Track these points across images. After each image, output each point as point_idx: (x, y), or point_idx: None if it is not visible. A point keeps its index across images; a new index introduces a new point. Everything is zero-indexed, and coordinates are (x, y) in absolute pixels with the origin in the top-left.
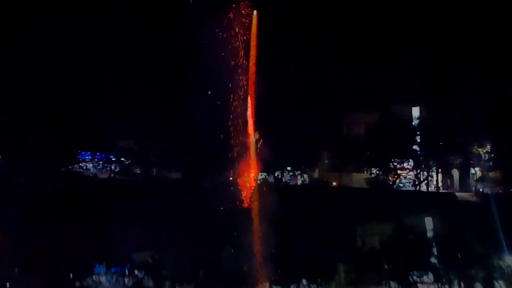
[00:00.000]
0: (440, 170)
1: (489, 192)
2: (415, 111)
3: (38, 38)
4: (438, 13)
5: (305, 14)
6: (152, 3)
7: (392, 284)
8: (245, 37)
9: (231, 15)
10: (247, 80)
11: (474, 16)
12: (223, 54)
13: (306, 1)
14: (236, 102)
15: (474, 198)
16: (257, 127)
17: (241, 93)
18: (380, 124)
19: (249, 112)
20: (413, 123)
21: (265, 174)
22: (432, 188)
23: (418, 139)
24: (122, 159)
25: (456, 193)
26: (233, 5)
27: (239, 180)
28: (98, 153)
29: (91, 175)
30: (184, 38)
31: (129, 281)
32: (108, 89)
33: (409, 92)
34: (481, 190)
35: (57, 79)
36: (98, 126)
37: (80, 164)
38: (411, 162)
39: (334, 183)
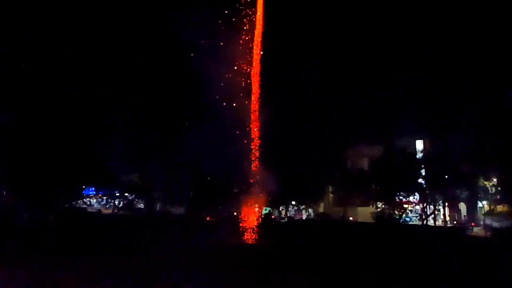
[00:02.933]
0: (447, 204)
1: (498, 226)
2: (419, 144)
3: (42, 73)
4: (441, 45)
5: (308, 47)
6: (155, 41)
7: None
8: (248, 69)
9: (233, 49)
10: (250, 114)
11: (478, 48)
12: (226, 88)
13: (309, 33)
14: (239, 137)
15: (483, 233)
16: (261, 162)
17: (245, 127)
18: (384, 157)
19: (253, 146)
20: (418, 156)
21: (269, 208)
22: (439, 223)
23: (423, 172)
24: (126, 194)
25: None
26: (237, 38)
27: (243, 215)
28: (102, 189)
29: (95, 210)
30: (186, 72)
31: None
32: (112, 124)
33: (412, 125)
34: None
35: (60, 114)
36: (103, 161)
37: (84, 199)
38: (417, 196)
39: (351, 218)
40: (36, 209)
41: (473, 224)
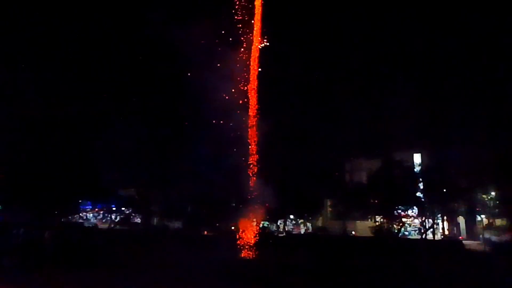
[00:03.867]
0: (445, 218)
1: (497, 241)
2: (417, 158)
3: (38, 89)
4: (439, 58)
5: (305, 61)
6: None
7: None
8: (245, 87)
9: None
10: (248, 129)
11: (476, 61)
12: (224, 100)
13: (306, 49)
14: (238, 151)
15: (482, 247)
16: (259, 176)
17: (243, 142)
18: (382, 170)
19: (251, 161)
20: (416, 170)
21: (267, 222)
22: (438, 236)
23: (421, 186)
24: (123, 208)
25: (464, 241)
26: (235, 55)
27: (241, 229)
28: (99, 203)
29: (91, 225)
30: (184, 88)
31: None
32: (109, 137)
33: (410, 138)
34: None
35: (57, 128)
36: (100, 175)
37: (81, 214)
38: (416, 210)
39: (354, 232)
40: (32, 224)
41: (461, 237)
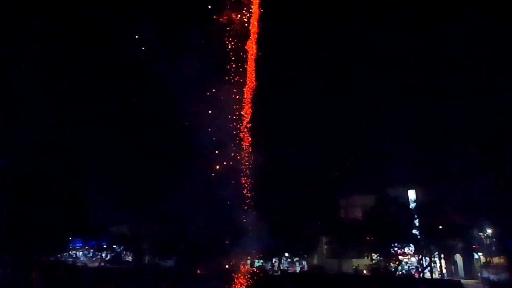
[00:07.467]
0: (442, 256)
1: (495, 280)
2: (411, 194)
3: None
4: (435, 91)
5: (298, 97)
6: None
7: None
8: (238, 117)
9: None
10: (241, 167)
11: (473, 94)
12: (217, 136)
13: (298, 87)
14: (231, 190)
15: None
16: (253, 213)
17: (237, 182)
18: (377, 207)
19: (246, 206)
20: (411, 206)
21: (262, 261)
22: (436, 275)
23: (416, 222)
24: (114, 246)
25: (462, 280)
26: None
27: (234, 268)
28: (89, 240)
29: (80, 264)
30: (175, 120)
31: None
32: (100, 173)
33: (404, 174)
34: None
35: (47, 163)
36: (90, 212)
37: (70, 252)
38: (412, 247)
39: (365, 271)
40: (18, 263)
41: (416, 274)
